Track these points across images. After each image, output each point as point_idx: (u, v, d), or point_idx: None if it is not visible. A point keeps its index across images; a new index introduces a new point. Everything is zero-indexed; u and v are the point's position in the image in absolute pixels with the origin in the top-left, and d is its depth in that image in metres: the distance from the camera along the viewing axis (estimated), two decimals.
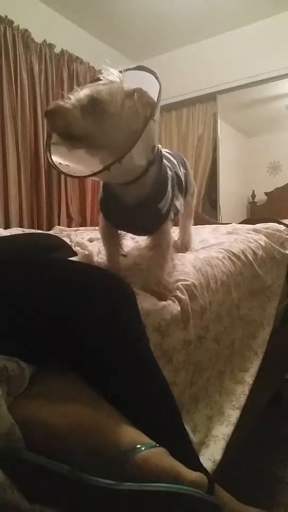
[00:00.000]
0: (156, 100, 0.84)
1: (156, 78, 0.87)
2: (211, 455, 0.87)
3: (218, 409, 1.02)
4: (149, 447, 0.55)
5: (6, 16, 2.62)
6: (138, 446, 0.54)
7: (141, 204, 0.99)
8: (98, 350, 0.63)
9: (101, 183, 1.09)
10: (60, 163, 0.90)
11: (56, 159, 0.90)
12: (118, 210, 1.04)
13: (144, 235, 1.16)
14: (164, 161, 1.06)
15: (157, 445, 0.56)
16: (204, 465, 0.74)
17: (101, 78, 0.87)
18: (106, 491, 0.47)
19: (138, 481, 0.49)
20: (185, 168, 1.33)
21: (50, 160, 0.89)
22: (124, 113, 0.82)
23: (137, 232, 1.20)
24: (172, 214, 1.08)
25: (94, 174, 0.81)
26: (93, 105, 0.79)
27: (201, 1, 3.06)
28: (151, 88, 0.85)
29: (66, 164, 0.91)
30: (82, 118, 0.78)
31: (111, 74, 0.86)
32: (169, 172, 1.06)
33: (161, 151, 1.01)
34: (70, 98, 0.80)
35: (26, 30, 2.77)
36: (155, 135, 0.93)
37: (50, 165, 0.90)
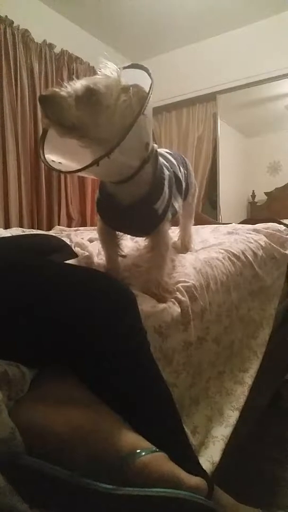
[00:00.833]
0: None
1: (148, 74, 0.87)
2: (210, 456, 0.87)
3: (218, 409, 1.02)
4: (149, 452, 0.55)
5: (6, 16, 2.62)
6: (138, 451, 0.54)
7: (136, 204, 0.98)
8: (98, 355, 0.63)
9: (99, 182, 1.08)
10: (53, 160, 0.89)
11: (49, 156, 0.90)
12: (114, 211, 1.03)
13: (141, 236, 1.15)
14: (162, 160, 1.05)
15: (157, 450, 0.56)
16: (203, 466, 0.74)
17: (99, 72, 0.86)
18: (106, 496, 0.47)
19: (138, 486, 0.49)
20: (186, 168, 1.32)
21: (42, 157, 0.89)
22: (119, 107, 0.81)
23: (133, 233, 1.18)
24: (169, 215, 1.07)
25: (83, 169, 0.80)
26: (89, 96, 0.78)
27: (201, 1, 3.06)
28: (145, 86, 0.85)
29: (59, 162, 0.90)
30: (76, 107, 0.77)
31: (109, 68, 0.85)
32: (166, 172, 1.04)
33: (156, 150, 0.99)
34: (66, 87, 0.79)
35: (26, 30, 2.77)
36: (149, 132, 0.91)
37: (42, 161, 0.90)
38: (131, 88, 0.83)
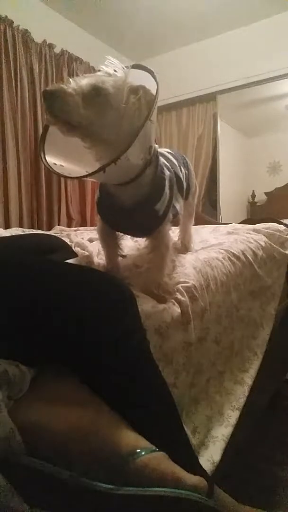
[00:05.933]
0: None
1: (154, 77, 0.83)
2: (210, 456, 0.87)
3: (218, 409, 1.02)
4: (149, 451, 0.55)
5: (6, 16, 2.62)
6: (138, 450, 0.54)
7: (137, 205, 0.97)
8: (98, 355, 0.63)
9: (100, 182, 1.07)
10: (54, 163, 0.87)
11: (50, 159, 0.87)
12: (114, 211, 1.02)
13: (142, 237, 1.15)
14: (163, 160, 1.04)
15: (157, 449, 0.56)
16: (203, 466, 0.74)
17: (101, 69, 0.82)
18: (106, 496, 0.47)
19: (138, 485, 0.49)
20: (187, 168, 1.31)
21: (43, 160, 0.86)
22: (128, 109, 0.77)
23: (134, 233, 1.17)
24: (170, 216, 1.06)
25: (89, 175, 0.78)
26: (96, 94, 0.75)
27: (201, 1, 3.06)
28: (149, 87, 0.81)
29: (60, 165, 0.88)
30: (83, 106, 0.73)
31: (113, 66, 0.81)
32: (167, 172, 1.03)
33: (157, 151, 0.98)
34: (71, 83, 0.74)
35: (26, 30, 2.77)
36: (152, 135, 0.89)
37: (44, 164, 0.86)
38: (141, 90, 0.79)
